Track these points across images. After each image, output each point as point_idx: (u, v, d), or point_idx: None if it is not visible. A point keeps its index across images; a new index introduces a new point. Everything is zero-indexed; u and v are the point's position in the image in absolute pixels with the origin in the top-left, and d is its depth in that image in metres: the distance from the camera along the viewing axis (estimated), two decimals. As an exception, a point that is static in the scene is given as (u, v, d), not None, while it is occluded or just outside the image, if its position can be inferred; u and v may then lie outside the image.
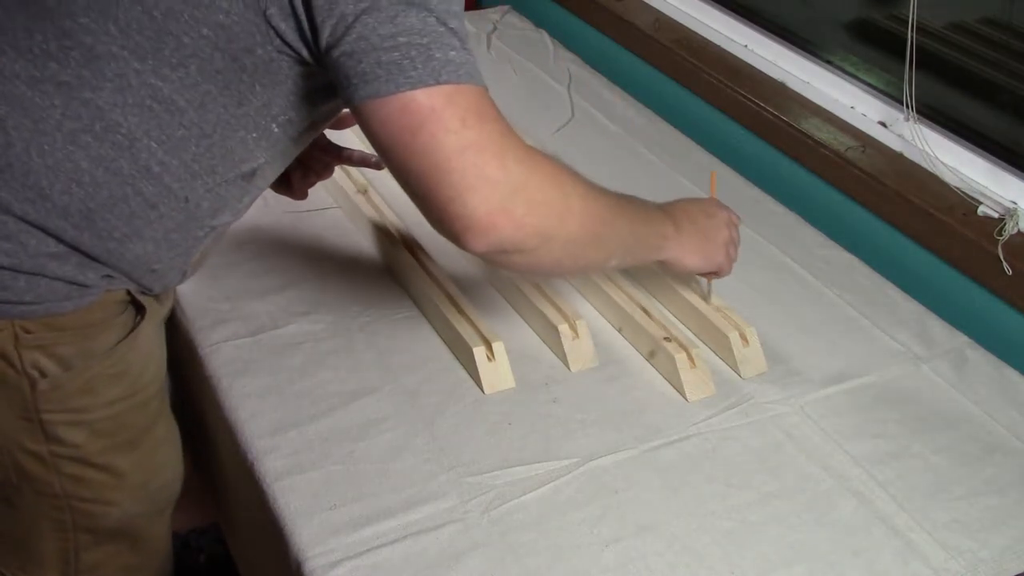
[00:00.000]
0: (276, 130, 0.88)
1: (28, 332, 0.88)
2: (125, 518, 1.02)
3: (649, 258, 1.02)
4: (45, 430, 0.93)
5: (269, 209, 1.31)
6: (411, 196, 0.83)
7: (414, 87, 0.78)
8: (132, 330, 0.95)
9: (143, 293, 0.95)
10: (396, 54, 0.77)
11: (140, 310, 0.95)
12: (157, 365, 1.01)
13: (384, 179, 1.40)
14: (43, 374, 0.90)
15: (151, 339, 0.99)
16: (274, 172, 0.96)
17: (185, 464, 1.12)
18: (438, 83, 0.78)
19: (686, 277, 1.18)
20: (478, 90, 0.82)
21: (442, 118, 0.79)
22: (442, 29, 0.78)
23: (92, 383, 0.93)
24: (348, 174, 1.34)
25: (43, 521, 0.99)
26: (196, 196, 0.88)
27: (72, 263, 0.87)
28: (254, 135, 0.87)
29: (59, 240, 0.86)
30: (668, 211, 1.03)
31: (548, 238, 0.86)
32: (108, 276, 0.90)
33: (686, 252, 1.04)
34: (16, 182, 0.83)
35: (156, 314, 1.00)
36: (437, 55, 0.78)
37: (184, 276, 0.97)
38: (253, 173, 0.91)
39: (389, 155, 0.81)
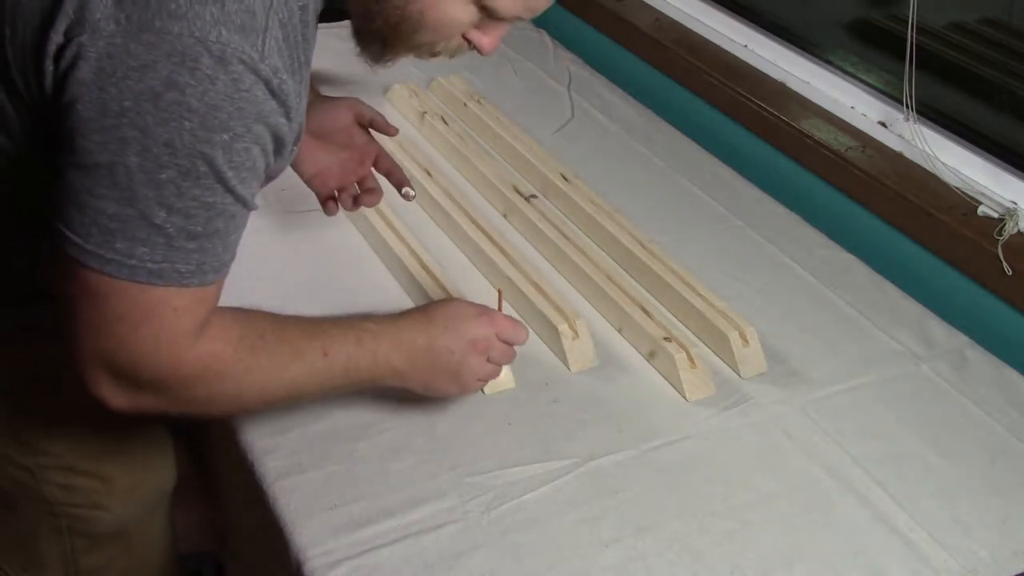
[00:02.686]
0: None
1: None
2: (119, 521, 1.04)
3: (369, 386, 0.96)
4: (23, 441, 0.96)
5: (269, 209, 1.31)
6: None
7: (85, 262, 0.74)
8: None
9: None
10: (76, 216, 0.73)
11: None
12: None
13: (384, 180, 1.40)
14: (12, 384, 0.93)
15: None
16: None
17: (181, 465, 1.12)
18: (103, 272, 0.74)
19: None
20: (160, 291, 0.75)
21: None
22: (141, 223, 0.73)
23: (62, 388, 0.93)
24: (348, 174, 1.34)
25: (40, 525, 1.01)
26: None
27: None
28: None
29: None
30: (403, 348, 0.91)
31: (190, 406, 0.83)
32: None
33: (413, 386, 0.94)
34: None
35: None
36: (118, 245, 0.73)
37: None
38: None
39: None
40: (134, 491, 1.05)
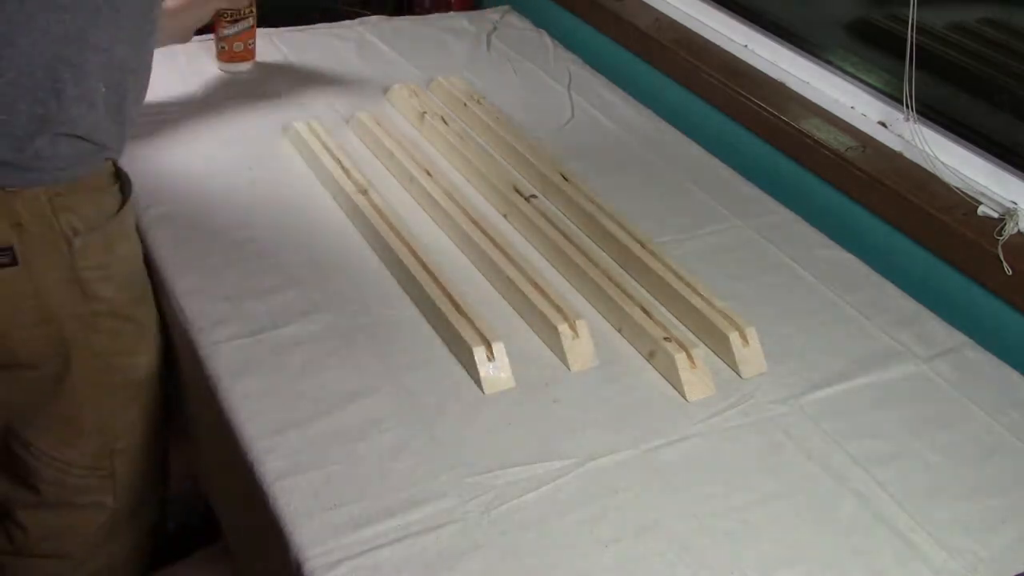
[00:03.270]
0: None
1: (59, 195, 1.02)
2: (150, 367, 1.18)
3: None
4: (84, 288, 1.07)
5: (268, 208, 1.31)
6: None
7: None
8: (126, 198, 1.11)
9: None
10: None
11: (126, 183, 1.12)
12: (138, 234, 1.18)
13: (384, 180, 1.40)
14: (75, 232, 1.04)
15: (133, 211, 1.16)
16: None
17: (180, 465, 1.14)
18: None
19: None
20: None
21: None
22: None
23: (110, 240, 1.09)
24: (348, 174, 1.34)
25: (87, 389, 1.12)
26: None
27: (88, 123, 1.01)
28: None
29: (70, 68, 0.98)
30: None
31: None
32: (105, 138, 1.04)
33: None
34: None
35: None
36: None
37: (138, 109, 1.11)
38: None
39: None
40: (157, 338, 1.18)
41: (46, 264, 1.04)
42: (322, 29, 1.82)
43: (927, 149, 1.37)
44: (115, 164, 1.10)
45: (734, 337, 1.12)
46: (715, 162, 1.54)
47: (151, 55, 1.09)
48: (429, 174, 1.37)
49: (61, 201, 1.03)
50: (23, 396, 1.12)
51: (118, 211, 1.10)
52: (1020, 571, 0.93)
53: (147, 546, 1.28)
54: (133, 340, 1.15)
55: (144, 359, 1.17)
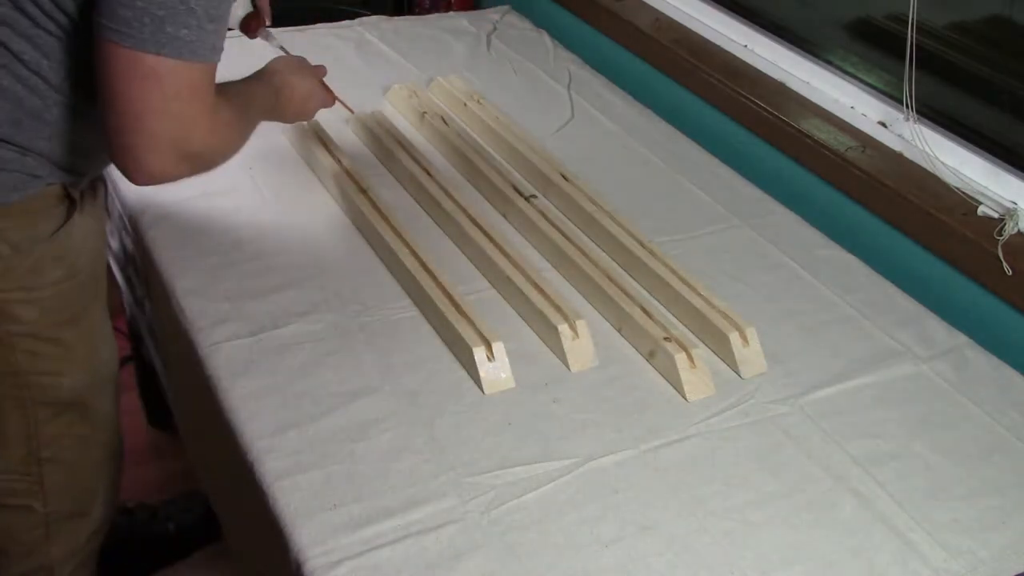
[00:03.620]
0: None
1: None
2: (75, 389, 1.15)
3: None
4: (2, 309, 1.04)
5: (268, 208, 1.31)
6: (104, 123, 0.94)
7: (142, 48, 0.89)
8: (67, 220, 1.07)
9: (75, 185, 1.07)
10: (130, 13, 0.88)
11: (72, 204, 1.08)
12: (92, 253, 1.14)
13: (386, 179, 1.40)
14: None
15: (86, 230, 1.11)
16: None
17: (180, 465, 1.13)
18: (159, 54, 0.89)
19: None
20: (199, 68, 0.93)
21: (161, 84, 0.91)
22: (181, 7, 0.89)
23: (38, 264, 1.05)
24: (349, 174, 1.34)
25: (6, 401, 1.10)
26: None
27: (29, 159, 1.00)
28: None
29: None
30: (272, 90, 1.20)
31: (204, 170, 1.03)
32: (52, 164, 1.02)
33: (284, 120, 1.26)
34: None
35: (90, 209, 1.12)
36: (168, 29, 0.89)
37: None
38: None
39: (102, 88, 0.92)
40: (88, 360, 1.15)
41: None
42: (322, 29, 1.82)
43: (927, 149, 1.37)
44: (65, 187, 1.06)
45: (734, 337, 1.12)
46: (715, 162, 1.54)
47: (61, 88, 1.00)
48: (429, 174, 1.37)
49: None
50: None
51: (54, 233, 1.05)
52: (1020, 571, 0.93)
53: (90, 551, 1.27)
54: (55, 361, 1.11)
55: (68, 380, 1.13)
